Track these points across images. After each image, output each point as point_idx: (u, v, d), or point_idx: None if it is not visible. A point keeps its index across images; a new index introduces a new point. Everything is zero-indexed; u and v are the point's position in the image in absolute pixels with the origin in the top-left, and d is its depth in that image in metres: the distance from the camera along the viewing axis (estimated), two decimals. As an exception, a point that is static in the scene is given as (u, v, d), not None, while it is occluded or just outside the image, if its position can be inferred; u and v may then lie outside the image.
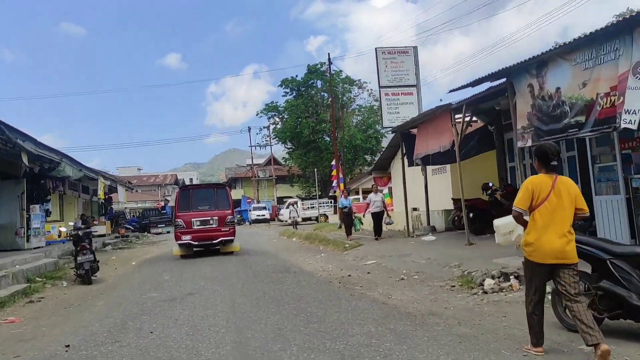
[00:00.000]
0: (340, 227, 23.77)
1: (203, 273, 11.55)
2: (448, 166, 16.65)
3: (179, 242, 15.53)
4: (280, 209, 54.87)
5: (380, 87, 15.18)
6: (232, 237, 15.98)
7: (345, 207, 17.52)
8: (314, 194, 54.54)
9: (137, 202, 74.97)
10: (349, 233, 16.86)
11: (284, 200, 60.97)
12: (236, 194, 63.75)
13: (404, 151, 15.02)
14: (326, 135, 52.56)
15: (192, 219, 15.53)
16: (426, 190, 15.60)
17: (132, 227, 38.80)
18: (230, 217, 16.12)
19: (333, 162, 30.98)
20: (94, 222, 27.91)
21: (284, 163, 60.65)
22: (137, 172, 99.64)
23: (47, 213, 17.97)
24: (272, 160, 57.51)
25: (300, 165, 52.43)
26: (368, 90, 51.62)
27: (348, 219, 17.28)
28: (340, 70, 51.50)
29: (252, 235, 26.97)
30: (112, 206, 38.78)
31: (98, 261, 11.81)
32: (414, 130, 14.30)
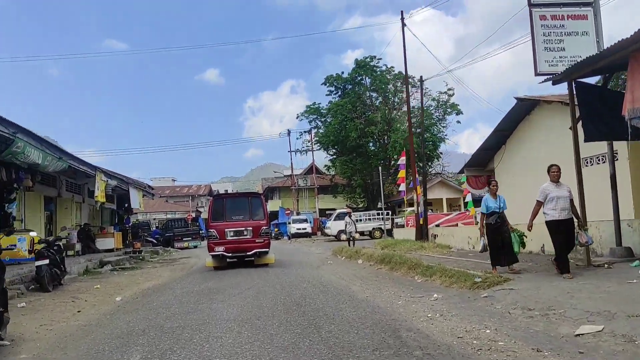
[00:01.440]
0: (420, 241, 17.74)
1: (227, 316, 5.71)
2: (621, 149, 10.37)
3: (212, 253, 14.91)
4: (324, 222, 48.91)
5: (530, 4, 9.09)
6: (267, 249, 15.30)
7: (494, 212, 8.98)
8: (361, 205, 48.44)
9: (167, 212, 70.60)
10: (498, 260, 8.97)
11: (327, 212, 55.06)
12: (273, 205, 58.11)
13: (578, 117, 8.44)
14: (374, 139, 46.57)
15: (226, 229, 14.88)
16: (613, 185, 9.07)
17: (154, 240, 33.55)
18: (265, 227, 15.44)
19: (401, 160, 24.81)
20: (102, 233, 22.67)
21: (326, 172, 54.75)
22: (172, 182, 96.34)
23: (7, 219, 12.53)
24: (313, 168, 51.63)
25: (344, 173, 46.35)
26: (424, 89, 45.49)
27: (497, 235, 8.86)
28: (392, 67, 45.28)
29: (295, 253, 21.06)
30: (132, 215, 33.63)
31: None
32: (583, 81, 8.16)
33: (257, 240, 14.98)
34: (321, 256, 19.05)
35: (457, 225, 27.63)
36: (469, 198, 23.28)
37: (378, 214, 32.94)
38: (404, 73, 45.89)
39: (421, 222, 20.51)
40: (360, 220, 31.80)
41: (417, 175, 22.78)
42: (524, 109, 13.85)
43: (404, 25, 20.74)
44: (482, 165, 17.51)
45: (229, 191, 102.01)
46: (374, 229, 30.62)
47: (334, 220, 31.05)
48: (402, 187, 24.41)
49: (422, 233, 19.83)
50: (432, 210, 38.27)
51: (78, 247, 18.60)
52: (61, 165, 13.18)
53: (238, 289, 9.70)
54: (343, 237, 29.14)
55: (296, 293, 8.75)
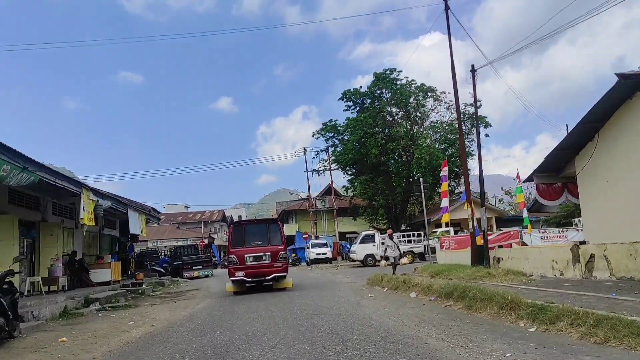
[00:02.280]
0: (479, 266, 14.48)
1: None
2: None
3: (233, 278, 15.38)
4: (344, 246, 45.54)
5: None
6: (285, 273, 15.79)
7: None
8: (384, 227, 45.03)
9: (179, 239, 67.68)
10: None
11: (347, 236, 51.70)
12: (290, 229, 54.88)
13: None
14: (396, 157, 43.43)
15: (246, 255, 15.37)
16: None
17: (161, 270, 30.51)
18: (282, 252, 15.89)
19: (443, 171, 21.65)
20: (98, 263, 19.67)
21: (343, 194, 51.56)
22: (184, 209, 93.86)
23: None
24: (332, 189, 48.53)
25: (365, 193, 43.10)
26: (446, 102, 42.55)
27: None
28: (412, 80, 42.37)
29: (322, 283, 17.74)
30: (139, 243, 30.71)
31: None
32: None
33: (275, 265, 15.38)
34: (354, 286, 15.79)
35: (510, 245, 24.42)
36: (525, 214, 20.04)
37: (408, 236, 29.61)
38: (426, 85, 43.56)
39: (479, 243, 17.19)
40: (383, 243, 28.51)
41: (469, 188, 19.57)
42: (625, 91, 10.70)
43: (447, 8, 17.77)
44: (557, 170, 14.30)
45: (243, 217, 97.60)
46: (405, 252, 27.30)
47: (360, 243, 27.81)
48: (445, 203, 21.19)
49: (479, 256, 16.52)
50: (462, 230, 34.84)
51: (64, 280, 15.57)
52: (27, 177, 10.24)
53: (258, 346, 6.54)
54: (384, 263, 26.06)
55: (349, 354, 5.58)
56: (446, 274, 13.44)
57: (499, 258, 15.82)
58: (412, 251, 27.45)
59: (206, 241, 53.81)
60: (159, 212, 26.65)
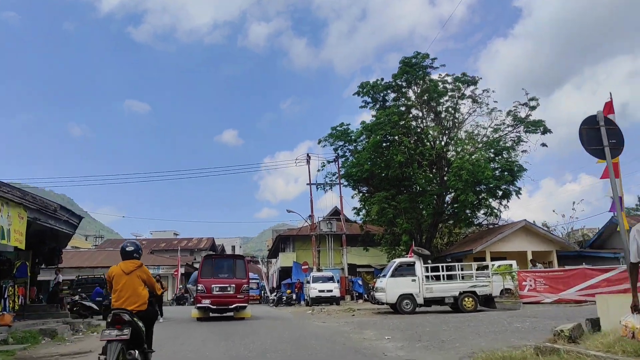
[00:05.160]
0: None
1: None
2: None
3: (199, 305, 16.99)
4: (355, 283, 35.56)
5: None
6: (246, 304, 17.67)
7: None
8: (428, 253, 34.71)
9: (158, 266, 57.60)
10: None
11: (358, 270, 41.73)
12: (286, 259, 44.88)
13: None
14: (424, 168, 33.94)
15: (213, 285, 17.03)
16: None
17: (93, 306, 20.81)
18: (245, 285, 17.49)
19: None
20: None
21: (353, 218, 41.75)
22: (173, 236, 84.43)
23: None
24: (341, 205, 38.83)
25: (384, 215, 33.07)
26: (486, 104, 33.33)
27: None
28: (447, 74, 33.21)
29: None
30: (58, 262, 20.92)
31: None
32: None
33: (238, 296, 17.17)
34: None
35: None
36: None
37: (458, 269, 19.79)
38: (467, 76, 34.43)
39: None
40: (429, 277, 18.73)
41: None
42: None
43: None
44: None
45: (237, 248, 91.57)
46: (463, 293, 17.50)
47: (391, 276, 18.04)
48: (607, 187, 11.42)
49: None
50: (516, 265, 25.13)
51: None
52: None
53: None
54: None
55: None
56: None
57: None
58: (473, 292, 17.63)
59: (183, 270, 43.91)
60: (76, 215, 17.07)
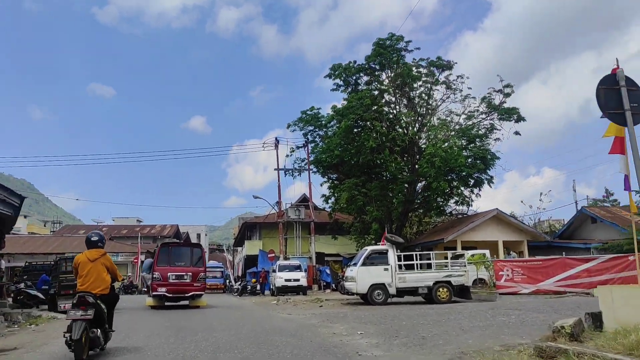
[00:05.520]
0: None
1: None
2: None
3: (155, 293, 16.79)
4: (324, 272, 34.44)
5: None
6: (202, 293, 17.49)
7: None
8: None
9: (116, 254, 55.19)
10: None
11: (327, 259, 40.64)
12: (252, 247, 43.47)
13: None
14: (395, 155, 32.96)
15: (169, 273, 16.86)
16: None
17: (39, 295, 19.10)
18: (202, 274, 17.47)
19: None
20: None
21: (322, 205, 40.56)
22: (136, 223, 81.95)
23: None
24: (310, 192, 37.63)
25: (354, 203, 32.00)
26: (460, 91, 32.40)
27: None
28: (421, 59, 32.08)
29: None
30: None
31: None
32: None
33: (195, 284, 17.03)
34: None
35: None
36: None
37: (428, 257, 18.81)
38: (442, 60, 33.41)
39: None
40: (402, 267, 17.72)
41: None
42: None
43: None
44: None
45: (202, 235, 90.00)
46: (437, 283, 16.51)
47: (362, 265, 16.93)
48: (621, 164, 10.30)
49: None
50: (503, 254, 24.46)
51: None
52: None
53: None
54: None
55: None
56: None
57: None
58: (448, 282, 16.67)
59: (143, 257, 42.00)
60: (17, 195, 15.36)
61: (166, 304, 17.34)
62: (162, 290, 16.66)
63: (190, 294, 16.95)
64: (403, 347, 7.39)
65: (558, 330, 6.62)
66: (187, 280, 16.88)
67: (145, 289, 22.66)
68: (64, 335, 6.74)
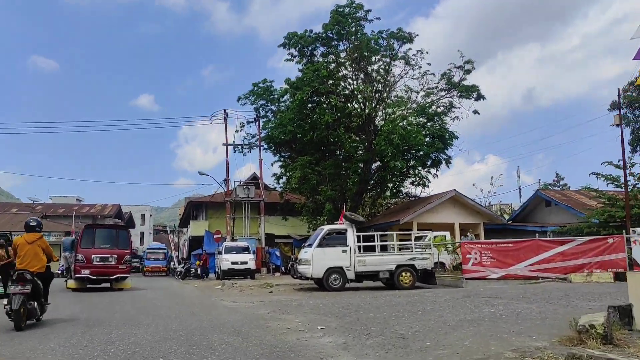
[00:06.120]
0: None
1: None
2: None
3: (78, 275, 16.49)
4: (273, 254, 32.56)
5: None
6: (127, 275, 17.45)
7: None
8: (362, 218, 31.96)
9: (51, 233, 51.29)
10: None
11: (276, 241, 38.77)
12: (198, 227, 41.05)
13: None
14: (353, 132, 31.40)
15: (93, 255, 16.66)
16: None
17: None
18: (128, 256, 17.54)
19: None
20: None
21: (273, 185, 38.61)
22: (76, 202, 77.03)
23: None
24: (260, 172, 35.50)
25: (307, 182, 30.29)
26: (419, 67, 30.90)
27: None
28: (381, 31, 30.34)
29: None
30: None
31: None
32: None
33: (120, 267, 16.98)
34: None
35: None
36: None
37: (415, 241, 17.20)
38: (403, 32, 31.76)
39: None
40: (361, 248, 16.07)
41: None
42: None
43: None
44: None
45: (147, 217, 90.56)
46: (400, 267, 14.97)
47: (318, 246, 15.14)
48: None
49: None
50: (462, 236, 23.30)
51: None
52: None
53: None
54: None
55: None
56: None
57: None
58: (412, 266, 15.17)
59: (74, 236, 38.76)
60: None
61: (88, 286, 16.85)
62: (85, 273, 16.36)
63: (115, 276, 16.79)
64: (380, 349, 5.65)
65: (586, 330, 5.04)
66: (112, 263, 16.72)
67: (65, 271, 21.18)
68: (4, 306, 7.64)
